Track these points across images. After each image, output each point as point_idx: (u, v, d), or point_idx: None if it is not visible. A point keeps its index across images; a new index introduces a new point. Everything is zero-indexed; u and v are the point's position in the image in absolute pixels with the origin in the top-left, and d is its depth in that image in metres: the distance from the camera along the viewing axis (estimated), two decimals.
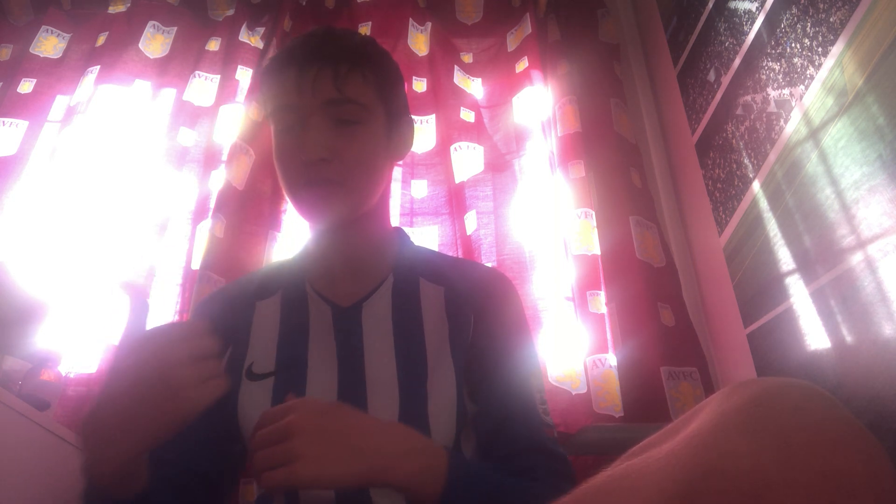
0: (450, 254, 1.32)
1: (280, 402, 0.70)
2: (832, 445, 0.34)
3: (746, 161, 1.06)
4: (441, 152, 1.43)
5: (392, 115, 0.79)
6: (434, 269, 0.83)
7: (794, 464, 0.34)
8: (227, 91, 1.49)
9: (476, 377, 0.76)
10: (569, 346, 1.17)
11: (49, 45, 1.62)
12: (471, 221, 1.32)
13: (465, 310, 0.78)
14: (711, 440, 0.37)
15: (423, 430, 0.70)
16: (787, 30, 0.93)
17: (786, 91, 0.94)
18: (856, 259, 0.77)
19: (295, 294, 0.81)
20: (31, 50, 1.59)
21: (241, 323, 0.79)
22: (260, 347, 0.77)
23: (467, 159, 1.41)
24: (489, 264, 1.27)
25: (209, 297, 0.86)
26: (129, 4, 1.67)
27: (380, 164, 0.77)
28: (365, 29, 1.59)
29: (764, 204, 1.01)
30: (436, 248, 1.33)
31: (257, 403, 0.73)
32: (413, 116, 1.45)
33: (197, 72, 1.54)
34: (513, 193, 1.37)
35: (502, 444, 0.71)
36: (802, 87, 0.89)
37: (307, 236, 0.84)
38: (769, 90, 0.99)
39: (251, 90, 1.45)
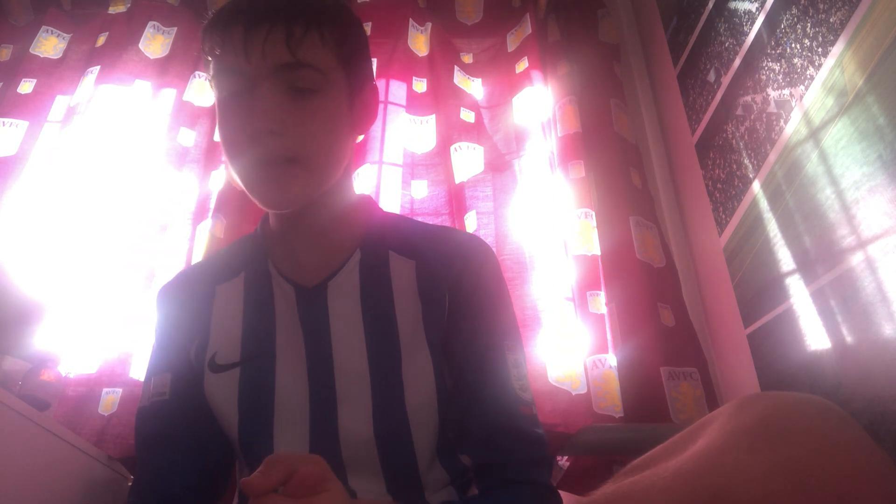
0: None
1: (247, 395, 0.67)
2: (845, 470, 0.33)
3: (746, 161, 1.06)
4: (441, 152, 1.43)
5: (354, 81, 0.69)
6: (405, 239, 0.75)
7: (806, 490, 0.32)
8: None
9: (451, 352, 0.70)
10: (569, 347, 1.17)
11: (49, 45, 1.62)
12: (471, 222, 1.32)
13: (439, 286, 0.71)
14: (720, 461, 0.35)
15: (401, 422, 0.66)
16: (787, 30, 0.93)
17: (786, 91, 0.94)
18: (856, 259, 0.77)
19: (258, 275, 0.74)
20: (31, 50, 1.59)
21: (202, 310, 0.73)
22: (223, 336, 0.71)
23: (467, 159, 1.41)
24: None
25: (168, 286, 0.78)
26: (129, 5, 1.67)
27: (342, 138, 0.67)
28: (365, 29, 1.59)
29: (764, 204, 1.01)
30: None
31: (224, 395, 0.68)
32: (413, 116, 1.47)
33: (197, 72, 1.54)
34: (513, 194, 1.36)
35: (474, 425, 0.66)
36: (802, 87, 0.89)
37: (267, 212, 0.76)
38: (769, 90, 0.99)
39: None
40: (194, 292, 0.74)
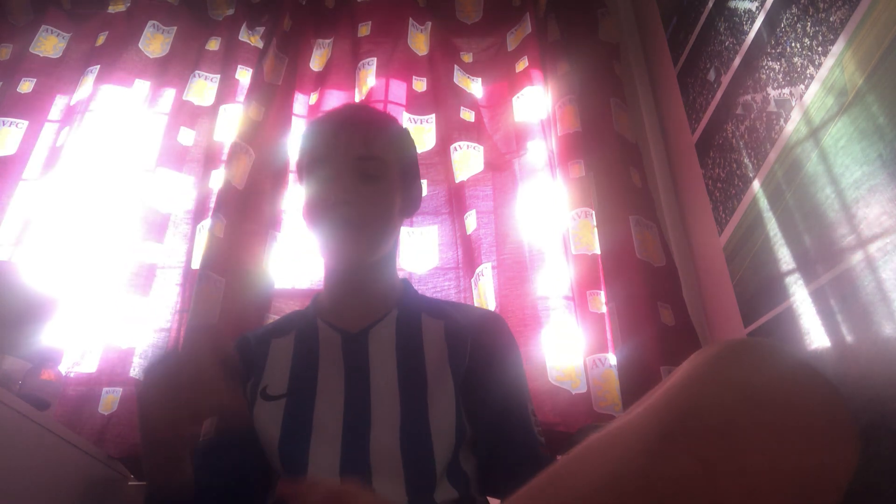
0: (449, 253, 1.33)
1: (289, 418, 0.79)
2: (791, 387, 0.39)
3: (746, 160, 1.06)
4: (441, 152, 1.43)
5: (407, 177, 0.93)
6: (435, 307, 0.92)
7: (757, 407, 0.38)
8: (227, 91, 1.49)
9: (475, 400, 0.82)
10: (569, 346, 1.17)
11: (49, 44, 1.62)
12: (471, 221, 1.32)
13: (463, 337, 0.86)
14: (684, 391, 0.41)
15: (424, 432, 0.76)
16: (787, 29, 0.93)
17: (786, 90, 0.94)
18: (856, 258, 0.77)
19: (307, 331, 0.89)
20: (30, 49, 1.59)
21: (258, 356, 0.88)
22: (274, 373, 0.85)
23: (467, 159, 1.41)
24: (489, 263, 1.27)
25: (236, 348, 0.94)
26: (128, 4, 1.67)
27: (394, 215, 0.89)
28: (365, 29, 1.59)
29: (764, 203, 1.01)
30: (436, 248, 1.33)
31: (270, 419, 0.80)
32: (413, 116, 1.47)
33: (197, 71, 1.54)
34: (513, 193, 1.36)
35: (503, 460, 0.79)
36: (802, 86, 0.89)
37: (321, 284, 0.96)
38: (769, 90, 0.99)
39: (251, 90, 1.45)
40: (251, 345, 0.90)
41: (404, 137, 0.95)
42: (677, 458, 0.38)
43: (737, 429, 0.38)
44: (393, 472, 0.74)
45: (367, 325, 0.87)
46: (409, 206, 0.95)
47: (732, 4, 1.12)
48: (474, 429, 0.82)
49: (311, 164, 0.87)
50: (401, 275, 1.06)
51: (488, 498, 0.84)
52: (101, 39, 1.60)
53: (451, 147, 1.40)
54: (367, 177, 0.85)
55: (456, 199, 1.36)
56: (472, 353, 0.85)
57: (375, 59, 1.53)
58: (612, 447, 0.43)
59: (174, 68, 1.57)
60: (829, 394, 0.39)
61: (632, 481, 0.39)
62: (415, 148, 0.98)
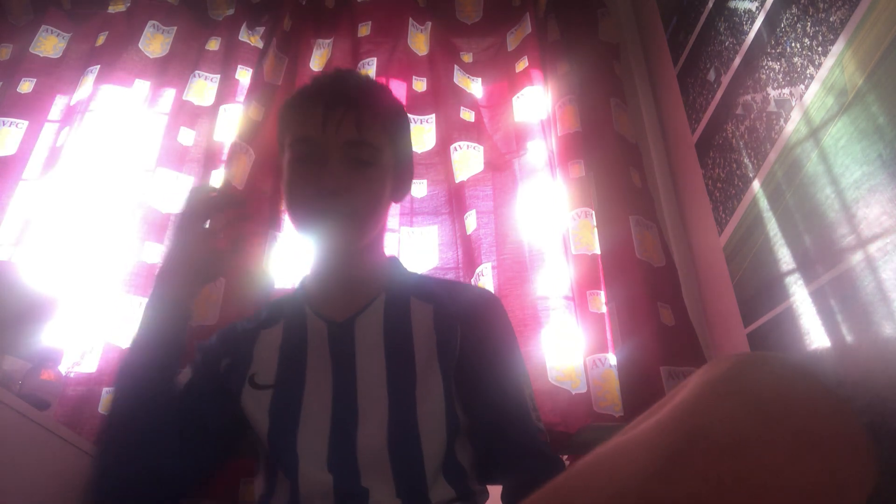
0: (449, 253, 1.32)
1: (277, 409, 0.78)
2: (804, 407, 0.38)
3: (746, 161, 1.06)
4: (441, 152, 1.43)
5: (399, 160, 0.88)
6: (424, 289, 0.88)
7: (769, 425, 0.37)
8: (227, 91, 1.49)
9: (469, 389, 0.80)
10: (569, 346, 1.17)
11: (49, 44, 1.62)
12: (471, 221, 1.32)
13: (453, 323, 0.82)
14: (694, 408, 0.40)
15: (412, 433, 0.74)
16: (787, 29, 0.93)
17: (786, 90, 0.94)
18: (856, 259, 0.77)
19: (295, 319, 0.87)
20: (30, 49, 1.59)
21: (245, 343, 0.86)
22: (262, 362, 0.83)
23: (467, 159, 1.40)
24: (489, 263, 1.27)
25: (217, 332, 0.91)
26: (128, 4, 1.67)
27: (384, 202, 0.85)
28: (365, 29, 1.59)
29: (764, 203, 1.01)
30: (436, 248, 1.33)
31: (259, 408, 0.79)
32: (413, 116, 1.47)
33: (197, 71, 1.54)
34: (513, 193, 1.36)
35: (501, 452, 0.77)
36: (802, 86, 0.89)
37: (307, 266, 0.92)
38: (769, 90, 0.99)
39: (251, 90, 1.45)
40: (237, 332, 0.88)
41: (399, 118, 0.89)
42: (687, 479, 0.37)
43: (748, 447, 0.37)
44: (382, 473, 0.72)
45: (353, 312, 0.84)
46: (400, 189, 0.91)
47: (732, 4, 1.12)
48: (470, 419, 0.79)
49: (297, 143, 0.81)
50: None
51: (488, 487, 0.83)
52: (101, 39, 1.60)
53: (451, 147, 1.40)
54: (359, 162, 0.80)
55: (456, 199, 1.36)
56: (462, 341, 0.81)
57: (375, 59, 1.53)
58: (618, 465, 0.42)
59: (174, 68, 1.57)
60: (841, 409, 0.39)
61: (638, 502, 0.38)
62: (409, 127, 0.93)
